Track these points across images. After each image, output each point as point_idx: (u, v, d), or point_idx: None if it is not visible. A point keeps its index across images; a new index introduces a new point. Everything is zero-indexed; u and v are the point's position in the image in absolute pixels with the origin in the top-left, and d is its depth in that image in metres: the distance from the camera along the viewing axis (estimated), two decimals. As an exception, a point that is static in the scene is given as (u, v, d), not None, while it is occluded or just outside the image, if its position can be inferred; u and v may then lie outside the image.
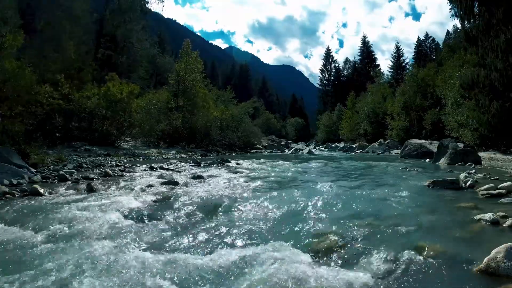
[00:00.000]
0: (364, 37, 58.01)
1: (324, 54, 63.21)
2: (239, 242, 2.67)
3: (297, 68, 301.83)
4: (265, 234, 2.84)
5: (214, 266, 2.17)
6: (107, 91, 13.14)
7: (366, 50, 57.17)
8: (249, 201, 4.11)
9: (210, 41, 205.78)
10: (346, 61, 62.06)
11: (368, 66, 53.00)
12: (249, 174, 7.12)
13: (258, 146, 24.38)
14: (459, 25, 17.04)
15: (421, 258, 2.21)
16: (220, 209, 3.78)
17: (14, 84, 7.77)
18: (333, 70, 61.63)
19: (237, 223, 3.17)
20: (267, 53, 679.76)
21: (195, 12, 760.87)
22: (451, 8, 14.29)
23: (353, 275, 2.03)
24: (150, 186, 5.17)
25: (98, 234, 2.80)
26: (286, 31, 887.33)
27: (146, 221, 3.35)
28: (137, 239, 2.75)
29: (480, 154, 10.71)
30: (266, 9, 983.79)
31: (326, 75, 61.82)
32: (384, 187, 5.26)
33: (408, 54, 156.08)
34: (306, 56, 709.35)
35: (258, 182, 5.76)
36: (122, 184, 5.36)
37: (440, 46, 38.34)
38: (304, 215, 3.46)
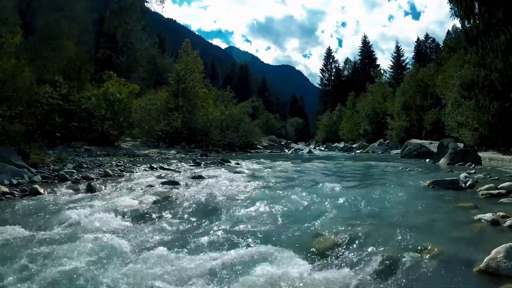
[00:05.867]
0: (365, 37, 58.05)
1: (325, 54, 63.30)
2: (239, 242, 2.67)
3: (296, 67, 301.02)
4: (264, 234, 2.84)
5: (213, 266, 2.17)
6: (106, 91, 13.14)
7: (367, 50, 57.15)
8: (248, 201, 4.11)
9: (210, 41, 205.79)
10: (347, 61, 62.11)
11: (368, 66, 53.02)
12: (249, 174, 7.12)
13: (258, 146, 24.38)
14: (459, 25, 17.08)
15: (421, 258, 2.20)
16: (219, 209, 3.78)
17: (14, 84, 7.76)
18: (334, 70, 61.65)
19: (236, 223, 3.17)
20: (266, 53, 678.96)
21: (193, 11, 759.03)
22: (451, 8, 14.32)
23: (353, 275, 2.03)
24: (150, 186, 5.17)
25: (98, 234, 2.80)
26: (285, 30, 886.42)
27: (146, 221, 3.35)
28: (137, 239, 2.75)
29: (480, 154, 10.71)
30: (264, 8, 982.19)
31: (327, 75, 61.86)
32: (384, 187, 5.26)
33: (408, 53, 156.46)
34: (305, 56, 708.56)
35: (258, 182, 5.76)
36: (122, 184, 5.36)
37: (440, 46, 38.39)
38: (304, 215, 3.46)
